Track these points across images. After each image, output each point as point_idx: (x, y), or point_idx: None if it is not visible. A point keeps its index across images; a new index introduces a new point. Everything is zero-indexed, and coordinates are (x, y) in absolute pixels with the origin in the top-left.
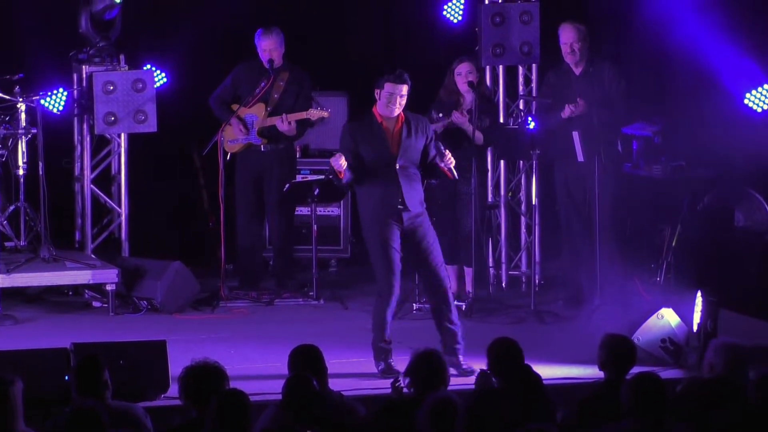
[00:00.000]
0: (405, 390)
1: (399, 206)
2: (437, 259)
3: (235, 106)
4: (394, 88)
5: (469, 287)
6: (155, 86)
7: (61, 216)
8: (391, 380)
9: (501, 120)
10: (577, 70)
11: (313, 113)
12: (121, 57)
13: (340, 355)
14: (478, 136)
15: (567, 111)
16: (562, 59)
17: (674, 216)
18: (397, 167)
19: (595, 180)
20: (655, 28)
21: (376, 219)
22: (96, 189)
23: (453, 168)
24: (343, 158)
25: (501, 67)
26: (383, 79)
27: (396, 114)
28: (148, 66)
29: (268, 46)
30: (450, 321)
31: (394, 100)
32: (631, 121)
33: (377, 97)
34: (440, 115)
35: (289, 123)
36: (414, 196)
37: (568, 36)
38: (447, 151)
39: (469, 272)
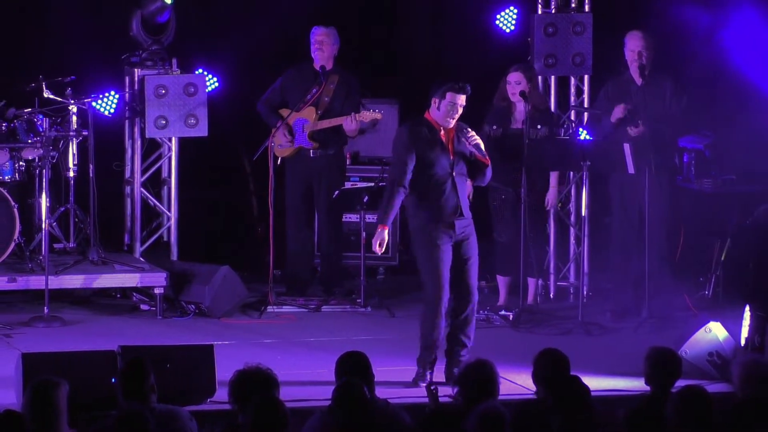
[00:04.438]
0: (454, 398)
1: (456, 213)
2: (474, 279)
3: (285, 112)
4: (455, 98)
5: (531, 298)
6: (207, 90)
7: (110, 219)
8: (426, 385)
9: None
10: (639, 81)
11: (366, 115)
12: (173, 61)
13: (386, 363)
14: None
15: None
16: (622, 70)
17: (724, 230)
18: (453, 174)
19: (646, 193)
20: (706, 41)
21: (429, 227)
22: (146, 192)
23: (481, 146)
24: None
25: (552, 77)
26: (445, 87)
27: (452, 125)
28: (200, 70)
29: (320, 37)
30: (467, 336)
31: (455, 110)
32: (685, 133)
33: (435, 105)
34: (494, 127)
35: (356, 122)
36: (466, 203)
37: (636, 43)
38: (469, 129)
39: (532, 282)
